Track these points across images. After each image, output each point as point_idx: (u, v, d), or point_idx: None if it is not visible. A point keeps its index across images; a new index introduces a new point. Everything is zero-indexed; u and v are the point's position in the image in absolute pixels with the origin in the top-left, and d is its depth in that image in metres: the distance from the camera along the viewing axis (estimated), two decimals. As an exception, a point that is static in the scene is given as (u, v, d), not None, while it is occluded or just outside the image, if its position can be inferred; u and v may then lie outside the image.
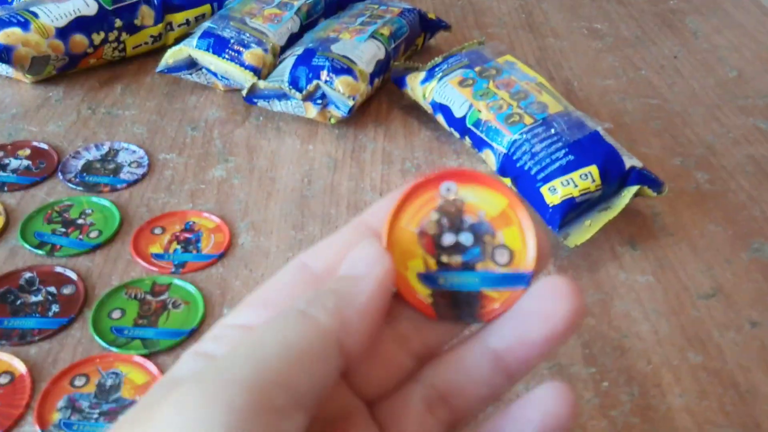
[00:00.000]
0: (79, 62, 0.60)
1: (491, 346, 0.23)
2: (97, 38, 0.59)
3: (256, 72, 0.56)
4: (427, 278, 0.24)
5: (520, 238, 0.23)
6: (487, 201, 0.24)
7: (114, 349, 0.39)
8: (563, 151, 0.47)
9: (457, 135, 0.54)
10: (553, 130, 0.48)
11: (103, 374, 0.38)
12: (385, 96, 0.62)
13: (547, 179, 0.47)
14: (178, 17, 0.63)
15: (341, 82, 0.54)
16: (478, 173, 0.24)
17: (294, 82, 0.55)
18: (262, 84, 0.55)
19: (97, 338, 0.40)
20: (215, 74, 0.58)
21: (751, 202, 0.52)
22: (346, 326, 0.21)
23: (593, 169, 0.46)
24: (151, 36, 0.62)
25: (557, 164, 0.47)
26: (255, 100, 0.56)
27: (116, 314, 0.41)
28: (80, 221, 0.47)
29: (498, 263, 0.23)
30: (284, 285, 0.23)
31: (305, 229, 0.48)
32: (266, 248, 0.46)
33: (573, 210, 0.46)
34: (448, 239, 0.24)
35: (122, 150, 0.53)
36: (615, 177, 0.47)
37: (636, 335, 0.42)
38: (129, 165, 0.52)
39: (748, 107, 0.63)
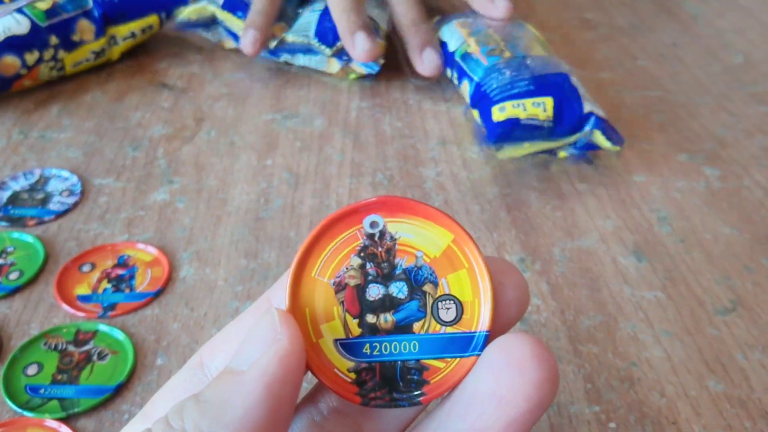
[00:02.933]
0: (11, 85, 0.54)
1: None
2: (31, 58, 0.53)
3: None
4: (348, 347, 0.18)
5: (471, 285, 0.18)
6: (426, 238, 0.18)
7: (27, 413, 0.33)
8: (525, 82, 0.47)
9: (448, 74, 0.55)
10: (525, 66, 0.49)
11: (12, 443, 0.32)
12: (354, 101, 0.56)
13: (500, 101, 0.47)
14: (122, 30, 0.57)
15: None
16: (411, 201, 0.18)
17: (322, 36, 0.56)
18: (290, 37, 0.57)
19: (7, 400, 0.33)
20: (234, 35, 0.59)
21: (769, 198, 0.46)
22: None
23: (548, 100, 0.45)
24: (93, 52, 0.57)
25: (515, 90, 0.47)
26: (280, 54, 0.58)
27: (32, 369, 0.35)
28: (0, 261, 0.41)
29: (443, 321, 0.18)
30: (174, 394, 0.18)
31: (259, 257, 0.41)
32: (212, 282, 0.40)
33: (515, 129, 0.45)
34: (374, 292, 0.18)
35: (53, 177, 0.47)
36: (571, 117, 0.46)
37: (646, 362, 0.35)
38: (60, 194, 0.46)
39: (759, 94, 0.57)
